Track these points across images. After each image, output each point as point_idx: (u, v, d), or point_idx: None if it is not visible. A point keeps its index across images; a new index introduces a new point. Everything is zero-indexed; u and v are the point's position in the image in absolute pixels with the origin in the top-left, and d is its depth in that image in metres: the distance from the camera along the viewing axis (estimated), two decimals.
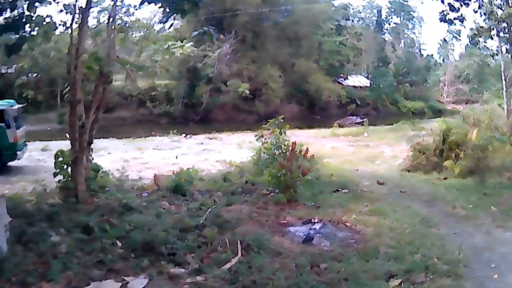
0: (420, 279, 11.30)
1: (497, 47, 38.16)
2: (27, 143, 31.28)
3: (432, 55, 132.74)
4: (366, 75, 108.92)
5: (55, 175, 18.23)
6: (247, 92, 74.62)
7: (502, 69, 36.42)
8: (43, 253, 11.62)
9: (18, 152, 29.10)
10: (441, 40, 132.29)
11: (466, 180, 24.10)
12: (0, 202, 12.36)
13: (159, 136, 47.81)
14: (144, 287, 10.64)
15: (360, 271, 11.55)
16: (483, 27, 37.48)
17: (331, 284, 10.75)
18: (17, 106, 31.25)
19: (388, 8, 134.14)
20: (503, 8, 34.79)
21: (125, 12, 20.36)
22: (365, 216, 17.01)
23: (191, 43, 21.16)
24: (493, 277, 12.11)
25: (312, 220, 16.42)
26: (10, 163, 28.96)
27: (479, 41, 40.43)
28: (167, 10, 16.01)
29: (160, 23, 19.81)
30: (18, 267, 10.61)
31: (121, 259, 12.01)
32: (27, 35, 16.34)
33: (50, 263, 11.00)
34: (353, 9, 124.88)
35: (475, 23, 39.18)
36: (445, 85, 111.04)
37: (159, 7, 16.64)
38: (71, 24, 17.38)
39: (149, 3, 16.63)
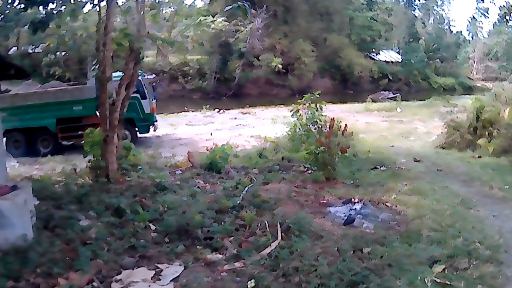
0: (463, 265, 10.98)
1: None
2: None
3: (461, 31, 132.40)
4: (397, 50, 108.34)
5: (85, 155, 18.11)
6: (280, 66, 74.42)
7: None
8: (71, 239, 11.22)
9: (155, 123, 30.36)
10: (470, 17, 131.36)
11: (500, 159, 23.81)
12: (26, 187, 12.18)
13: (192, 111, 47.89)
14: (179, 275, 10.25)
15: (403, 256, 11.25)
16: None
17: (375, 271, 10.42)
18: (152, 75, 33.05)
19: None
20: None
21: None
22: (405, 196, 16.72)
23: (223, 18, 20.92)
24: None
25: (352, 199, 16.12)
26: None
27: (509, 19, 39.99)
28: None
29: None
30: (45, 256, 10.17)
31: (154, 244, 11.71)
32: (54, 12, 15.76)
33: (79, 250, 10.56)
34: None
35: (506, 1, 38.77)
36: (474, 62, 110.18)
37: None
38: (99, 1, 17.12)
39: None
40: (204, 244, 11.82)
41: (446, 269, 10.76)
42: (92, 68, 19.84)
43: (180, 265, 10.63)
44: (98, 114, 19.75)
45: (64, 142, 29.92)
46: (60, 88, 29.26)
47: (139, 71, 30.68)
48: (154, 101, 31.37)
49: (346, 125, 21.75)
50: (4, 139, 25.91)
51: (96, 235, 11.61)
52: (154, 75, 35.30)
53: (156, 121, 31.34)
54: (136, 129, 30.44)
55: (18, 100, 27.89)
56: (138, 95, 29.31)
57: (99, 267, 10.08)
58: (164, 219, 12.98)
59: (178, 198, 15.11)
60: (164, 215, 13.39)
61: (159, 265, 10.61)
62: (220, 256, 11.18)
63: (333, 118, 21.24)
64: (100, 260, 10.36)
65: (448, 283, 10.09)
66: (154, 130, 31.40)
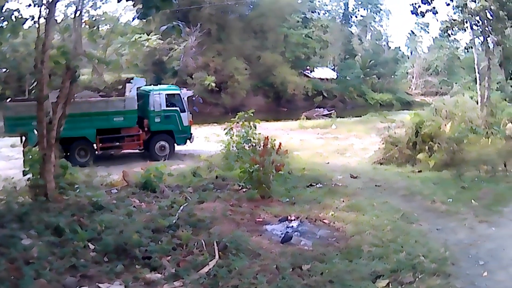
0: (408, 279, 11.05)
1: (470, 40, 38.34)
2: None
3: (399, 47, 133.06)
4: (333, 67, 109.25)
5: (24, 173, 17.68)
6: (213, 84, 74.44)
7: (476, 62, 36.73)
8: (14, 258, 10.99)
9: (191, 136, 31.39)
10: (409, 32, 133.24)
11: (442, 173, 24.10)
12: None
13: None
14: None
15: (344, 272, 11.24)
16: (456, 20, 37.65)
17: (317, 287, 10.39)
18: (191, 91, 34.94)
19: (355, 0, 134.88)
20: (476, 1, 34.92)
21: (92, 5, 20.00)
22: (343, 212, 16.76)
23: (157, 36, 20.99)
24: (483, 275, 11.89)
25: (289, 217, 16.12)
26: None
27: (451, 33, 40.58)
28: (140, 6, 15.61)
29: (138, 19, 19.47)
30: None
31: (94, 264, 11.51)
32: None
33: (23, 269, 10.44)
34: (319, 1, 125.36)
35: (448, 16, 39.29)
36: (413, 77, 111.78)
37: (132, 5, 16.24)
38: (38, 18, 16.93)
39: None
40: (142, 263, 11.67)
41: (390, 284, 10.81)
42: (31, 86, 19.63)
43: (120, 284, 10.57)
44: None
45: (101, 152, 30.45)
46: (102, 98, 30.65)
47: (173, 86, 34.13)
48: (191, 115, 32.35)
49: (280, 143, 21.85)
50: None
51: (38, 254, 11.46)
52: (192, 91, 37.18)
53: (192, 133, 32.28)
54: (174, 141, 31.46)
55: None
56: (178, 109, 31.33)
57: (43, 287, 10.07)
58: (103, 239, 12.81)
59: (115, 217, 14.85)
60: (102, 235, 13.19)
61: (100, 285, 10.51)
62: (159, 275, 11.11)
63: (267, 136, 21.32)
64: (43, 279, 10.27)
65: None
66: (191, 142, 32.22)
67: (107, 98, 31.01)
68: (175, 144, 31.40)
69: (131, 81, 31.86)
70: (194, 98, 34.90)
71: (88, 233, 13.21)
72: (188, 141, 32.04)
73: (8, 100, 28.80)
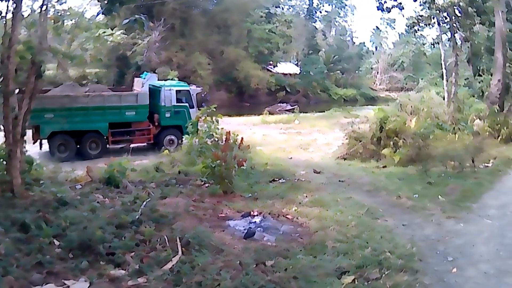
0: (374, 275, 10.98)
1: (437, 36, 38.53)
2: None
3: (364, 43, 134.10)
4: (296, 62, 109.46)
5: None
6: (176, 79, 74.22)
7: (442, 58, 36.96)
8: None
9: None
10: (374, 28, 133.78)
11: (407, 168, 24.15)
12: None
13: None
14: None
15: (309, 268, 11.16)
16: (422, 16, 37.85)
17: (280, 284, 10.33)
18: (200, 88, 36.24)
19: None
20: None
21: (57, 0, 19.83)
22: (306, 208, 16.68)
23: (121, 31, 20.92)
24: (452, 271, 11.88)
25: (251, 213, 16.04)
26: None
27: (417, 29, 40.78)
28: (105, 1, 15.37)
29: (103, 14, 19.28)
30: None
31: (59, 260, 11.34)
32: None
33: None
34: None
35: (415, 12, 39.50)
36: (378, 72, 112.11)
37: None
38: (6, 13, 16.69)
39: None
40: (106, 259, 11.55)
41: (356, 280, 10.72)
42: None
43: (85, 281, 10.44)
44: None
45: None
46: (115, 93, 31.98)
47: (182, 83, 35.06)
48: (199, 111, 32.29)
49: (242, 138, 21.59)
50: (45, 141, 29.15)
51: (5, 251, 11.30)
52: (201, 88, 38.59)
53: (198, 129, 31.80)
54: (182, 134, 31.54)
55: (68, 101, 28.94)
56: (187, 104, 32.60)
57: (10, 284, 9.88)
58: (67, 235, 12.62)
59: (79, 213, 14.65)
60: (67, 231, 12.98)
61: (66, 282, 10.34)
62: (123, 271, 11.00)
63: (229, 131, 21.19)
64: (11, 276, 10.11)
65: None
66: None
67: (120, 93, 32.76)
68: (183, 138, 31.27)
69: (144, 76, 33.24)
70: (203, 95, 36.25)
71: (53, 229, 13.04)
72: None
73: None
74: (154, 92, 32.07)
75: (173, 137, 32.04)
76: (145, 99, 31.18)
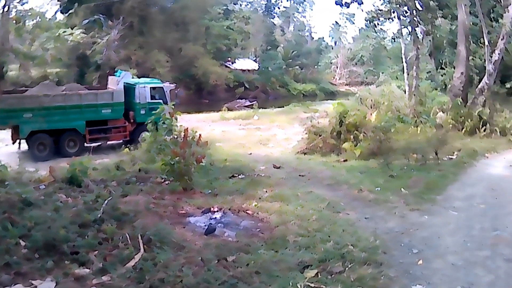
0: (337, 268, 10.90)
1: (398, 30, 38.78)
2: None
3: (323, 38, 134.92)
4: (255, 58, 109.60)
5: None
6: (135, 77, 74.17)
7: (403, 51, 37.17)
8: None
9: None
10: (333, 23, 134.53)
11: (368, 162, 24.21)
12: None
13: None
14: None
15: (270, 262, 11.11)
16: (382, 10, 38.04)
17: (243, 279, 10.25)
18: (174, 84, 37.31)
19: None
20: None
21: (19, 1, 19.67)
22: (267, 203, 16.64)
23: (81, 30, 20.86)
24: (418, 263, 11.83)
25: (212, 209, 15.99)
26: None
27: (377, 24, 41.00)
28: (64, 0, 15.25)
29: (61, 13, 19.20)
30: None
31: (26, 260, 11.22)
32: None
33: None
34: None
35: (374, 6, 39.70)
36: (337, 67, 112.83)
37: None
38: None
39: None
40: (71, 258, 11.41)
41: (319, 274, 10.63)
42: None
43: (52, 281, 10.35)
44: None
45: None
46: (91, 91, 32.66)
47: (155, 80, 36.55)
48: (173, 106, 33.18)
49: (200, 134, 21.75)
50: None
51: None
52: (175, 84, 39.92)
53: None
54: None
55: (46, 101, 28.85)
56: (161, 101, 31.97)
57: None
58: (33, 235, 12.50)
59: (43, 214, 14.46)
60: (32, 231, 12.83)
61: (33, 282, 10.25)
62: (88, 270, 10.92)
63: (187, 128, 21.22)
64: None
65: (323, 287, 9.94)
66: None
67: (96, 91, 33.91)
68: None
69: (118, 74, 34.34)
70: (176, 91, 36.76)
71: (19, 230, 12.92)
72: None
73: None
74: (129, 90, 32.66)
75: (146, 133, 31.69)
76: (120, 97, 31.95)
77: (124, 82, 32.65)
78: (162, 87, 34.39)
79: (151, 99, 32.87)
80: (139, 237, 12.38)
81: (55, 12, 21.57)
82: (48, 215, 14.19)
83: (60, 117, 29.64)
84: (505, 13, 34.66)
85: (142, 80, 36.28)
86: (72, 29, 19.90)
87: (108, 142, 32.28)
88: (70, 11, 13.73)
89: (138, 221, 13.94)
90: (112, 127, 32.08)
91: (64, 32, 19.52)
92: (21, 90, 29.16)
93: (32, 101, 28.64)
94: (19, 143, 29.72)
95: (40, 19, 20.38)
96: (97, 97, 31.83)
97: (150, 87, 33.64)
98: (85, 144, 31.26)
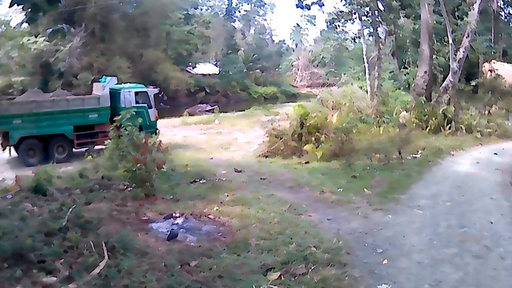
0: (300, 270, 10.95)
1: (359, 30, 39.00)
2: None
3: (284, 40, 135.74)
4: (215, 62, 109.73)
5: None
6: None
7: (364, 52, 37.43)
8: None
9: (157, 130, 33.47)
10: (294, 25, 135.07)
11: (330, 163, 24.33)
12: None
13: None
14: None
15: (233, 266, 11.16)
16: (343, 11, 38.29)
17: (206, 283, 10.32)
18: (157, 88, 38.20)
19: None
20: None
21: None
22: (228, 207, 16.71)
23: (44, 38, 20.91)
24: (383, 262, 11.91)
25: (173, 214, 16.01)
26: None
27: (338, 25, 41.22)
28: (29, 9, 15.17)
29: (27, 23, 19.11)
30: None
31: None
32: None
33: None
34: None
35: (335, 8, 39.95)
36: (298, 69, 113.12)
37: (22, 8, 15.80)
38: None
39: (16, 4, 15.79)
40: (38, 267, 11.36)
41: (282, 276, 10.71)
42: None
43: None
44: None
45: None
46: (78, 97, 33.14)
47: (139, 85, 36.74)
48: (157, 111, 35.08)
49: (160, 140, 22.10)
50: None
51: None
52: (159, 88, 41.59)
53: (157, 128, 34.79)
54: None
55: (34, 107, 29.63)
56: (145, 105, 33.91)
57: None
58: (1, 245, 12.27)
59: (10, 223, 14.22)
60: (1, 241, 12.60)
61: None
62: (55, 278, 10.89)
63: (146, 135, 21.39)
64: None
65: None
66: (157, 136, 32.25)
67: (83, 96, 34.17)
68: None
69: (104, 80, 34.39)
70: (160, 95, 37.75)
71: None
72: (154, 135, 32.17)
73: None
74: (114, 95, 33.01)
75: None
76: (106, 101, 32.55)
77: (109, 87, 33.06)
78: (146, 92, 35.01)
79: (136, 103, 33.07)
80: (103, 244, 12.34)
81: (21, 22, 21.58)
82: (15, 225, 14.05)
83: (49, 123, 30.07)
84: (470, 11, 35.06)
85: (127, 85, 36.58)
86: (36, 37, 19.90)
87: (95, 147, 32.13)
88: (35, 21, 13.73)
89: (102, 228, 13.90)
90: (99, 131, 32.14)
91: (28, 40, 19.53)
92: (9, 98, 29.76)
93: (21, 108, 29.17)
94: (10, 150, 29.99)
95: (5, 28, 20.37)
96: (84, 102, 32.27)
97: (135, 92, 33.98)
98: (73, 149, 31.75)
